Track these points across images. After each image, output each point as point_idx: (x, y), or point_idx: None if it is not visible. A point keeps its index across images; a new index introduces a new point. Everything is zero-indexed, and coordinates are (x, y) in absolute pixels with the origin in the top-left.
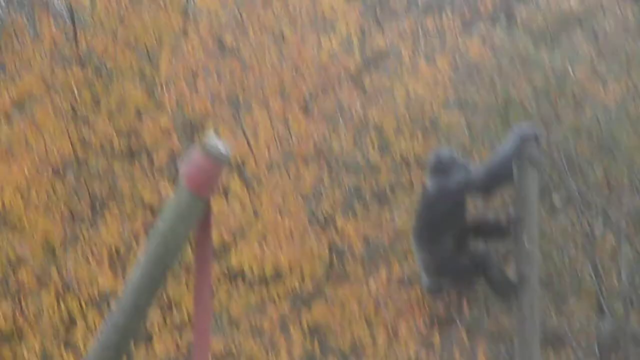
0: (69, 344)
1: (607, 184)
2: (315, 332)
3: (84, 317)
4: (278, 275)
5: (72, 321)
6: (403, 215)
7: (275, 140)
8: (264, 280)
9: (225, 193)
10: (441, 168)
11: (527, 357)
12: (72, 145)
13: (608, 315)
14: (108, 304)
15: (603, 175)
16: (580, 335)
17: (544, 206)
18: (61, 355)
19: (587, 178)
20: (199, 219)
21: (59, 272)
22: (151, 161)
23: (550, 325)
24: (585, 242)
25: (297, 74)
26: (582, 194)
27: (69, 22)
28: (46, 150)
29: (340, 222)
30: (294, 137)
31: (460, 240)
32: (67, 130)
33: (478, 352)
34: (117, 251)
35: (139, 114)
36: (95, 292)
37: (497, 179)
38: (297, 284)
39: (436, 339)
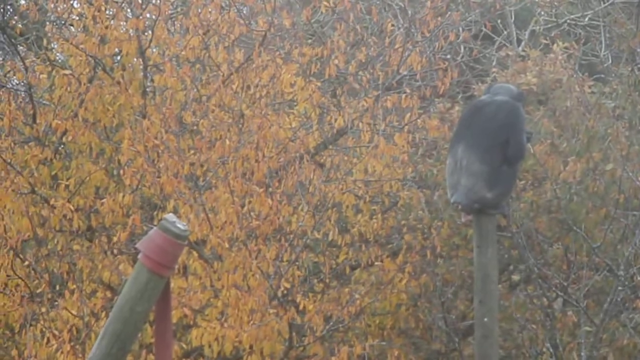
0: None
1: (567, 261)
2: None
3: None
4: (238, 353)
5: None
6: (362, 293)
7: (236, 218)
8: (224, 359)
9: (185, 271)
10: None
11: None
12: (31, 224)
13: None
14: None
15: (562, 252)
16: None
17: (504, 283)
18: None
19: (547, 254)
20: (159, 298)
21: (19, 352)
22: (110, 240)
23: None
24: (544, 318)
25: (257, 151)
26: (541, 270)
27: (27, 100)
28: (5, 229)
29: (300, 300)
30: (254, 215)
31: None
32: (26, 209)
33: None
34: (77, 330)
35: (98, 192)
36: None
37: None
38: None
39: None
